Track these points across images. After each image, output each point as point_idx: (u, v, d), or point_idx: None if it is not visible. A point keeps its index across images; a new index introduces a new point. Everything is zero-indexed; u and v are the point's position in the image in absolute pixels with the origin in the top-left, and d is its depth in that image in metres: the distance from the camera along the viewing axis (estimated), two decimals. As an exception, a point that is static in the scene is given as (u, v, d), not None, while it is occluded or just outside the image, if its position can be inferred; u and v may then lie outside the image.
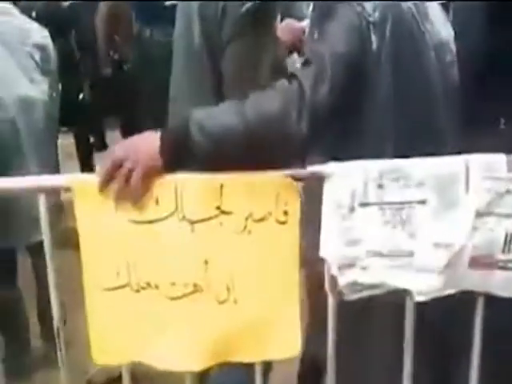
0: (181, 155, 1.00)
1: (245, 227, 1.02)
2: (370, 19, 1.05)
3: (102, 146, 5.05)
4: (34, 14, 3.48)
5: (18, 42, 2.16)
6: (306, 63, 1.05)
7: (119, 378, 1.12)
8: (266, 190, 1.02)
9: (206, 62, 1.33)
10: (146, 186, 0.99)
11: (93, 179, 1.05)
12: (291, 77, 1.04)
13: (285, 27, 1.64)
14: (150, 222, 1.04)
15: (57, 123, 2.40)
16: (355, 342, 1.12)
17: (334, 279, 1.01)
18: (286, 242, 1.03)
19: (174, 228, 1.03)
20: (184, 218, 1.03)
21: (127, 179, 0.99)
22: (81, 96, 3.98)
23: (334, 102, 1.01)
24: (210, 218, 1.03)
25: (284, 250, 1.03)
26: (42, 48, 2.22)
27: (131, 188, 0.99)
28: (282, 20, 1.66)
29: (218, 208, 1.03)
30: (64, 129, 4.30)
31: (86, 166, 4.31)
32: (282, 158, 1.01)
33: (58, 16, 3.81)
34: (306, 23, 1.77)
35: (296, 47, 1.66)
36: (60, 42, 3.40)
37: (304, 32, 1.65)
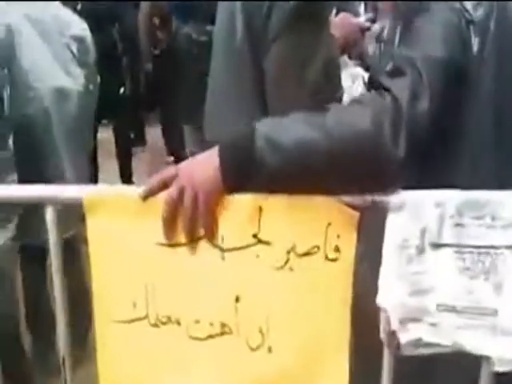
0: (245, 175, 0.80)
1: (286, 262, 0.82)
2: (470, 18, 0.85)
3: (142, 141, 4.96)
4: (79, 6, 3.37)
5: (56, 33, 2.06)
6: (396, 72, 0.84)
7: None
8: (315, 219, 0.81)
9: (248, 59, 1.15)
10: (212, 214, 0.82)
11: (108, 192, 0.87)
12: (380, 88, 0.84)
13: (339, 22, 1.42)
14: (175, 245, 0.85)
15: (93, 117, 2.30)
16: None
17: (392, 333, 0.79)
18: (336, 285, 0.82)
19: (202, 255, 0.84)
20: (215, 244, 0.83)
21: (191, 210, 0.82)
22: (121, 90, 3.87)
23: (432, 118, 0.80)
24: (244, 247, 0.83)
25: (333, 293, 0.82)
26: (80, 40, 2.11)
27: (200, 220, 0.82)
28: (336, 14, 1.44)
29: (255, 236, 0.83)
30: (104, 121, 4.21)
31: (125, 164, 4.19)
32: (369, 184, 0.81)
33: (102, 10, 3.68)
34: (362, 19, 1.56)
35: (349, 45, 1.44)
36: (103, 35, 3.31)
37: (360, 29, 1.44)
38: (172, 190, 0.82)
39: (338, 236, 0.81)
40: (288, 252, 0.82)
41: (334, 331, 0.82)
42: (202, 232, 0.83)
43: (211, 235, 0.82)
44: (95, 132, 3.81)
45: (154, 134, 4.86)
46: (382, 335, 0.81)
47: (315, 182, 0.79)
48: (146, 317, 0.87)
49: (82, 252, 1.94)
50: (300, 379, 0.83)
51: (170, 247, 0.85)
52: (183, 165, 0.85)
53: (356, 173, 0.79)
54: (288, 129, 0.81)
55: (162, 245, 0.85)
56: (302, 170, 0.79)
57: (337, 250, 0.82)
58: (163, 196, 0.84)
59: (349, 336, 0.82)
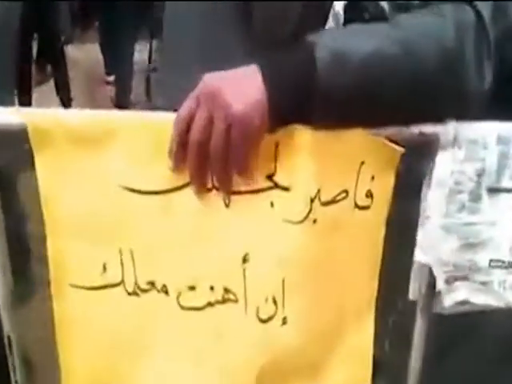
0: (300, 98, 0.56)
1: (308, 213, 0.62)
2: None
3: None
4: None
5: None
6: None
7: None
8: (345, 157, 0.62)
9: None
10: (249, 153, 0.58)
11: (56, 117, 0.61)
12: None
13: None
14: (159, 192, 0.62)
15: (16, 29, 1.87)
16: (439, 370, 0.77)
17: (431, 293, 0.64)
18: (366, 237, 0.64)
19: (199, 199, 0.61)
20: (215, 186, 0.61)
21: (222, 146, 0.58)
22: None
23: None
24: (255, 192, 0.62)
25: (361, 248, 0.65)
26: None
27: (232, 160, 0.58)
28: None
29: (270, 178, 0.62)
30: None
31: (61, 81, 3.61)
32: (437, 116, 0.62)
33: None
34: None
35: None
36: None
37: None
38: (196, 126, 0.57)
39: (373, 178, 0.63)
40: (312, 200, 0.62)
41: (360, 296, 0.66)
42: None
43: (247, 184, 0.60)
44: (29, 48, 3.23)
45: (92, 50, 4.33)
46: (415, 295, 0.66)
47: (384, 108, 0.59)
48: (121, 283, 0.65)
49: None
50: (318, 354, 0.66)
51: (151, 194, 0.62)
52: (206, 83, 0.57)
53: (427, 100, 0.60)
54: (358, 40, 0.60)
55: (139, 192, 0.62)
56: (374, 92, 0.58)
57: (369, 195, 0.64)
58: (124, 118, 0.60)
59: (374, 305, 0.66)
